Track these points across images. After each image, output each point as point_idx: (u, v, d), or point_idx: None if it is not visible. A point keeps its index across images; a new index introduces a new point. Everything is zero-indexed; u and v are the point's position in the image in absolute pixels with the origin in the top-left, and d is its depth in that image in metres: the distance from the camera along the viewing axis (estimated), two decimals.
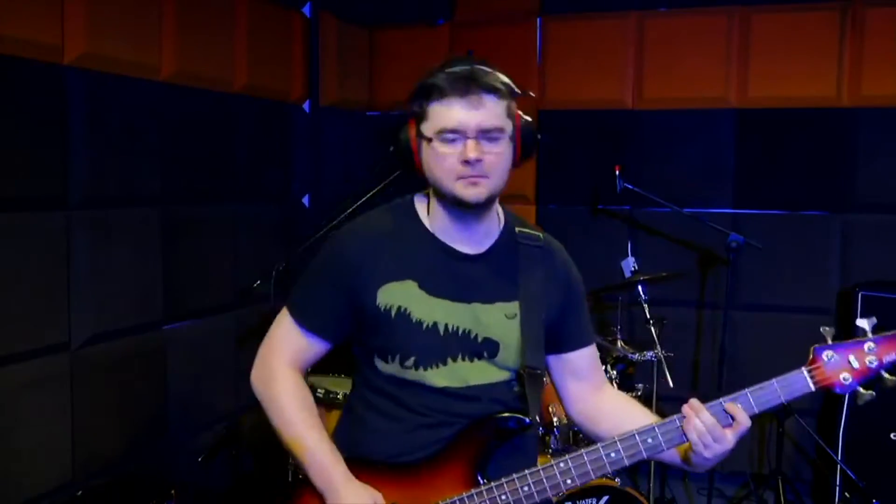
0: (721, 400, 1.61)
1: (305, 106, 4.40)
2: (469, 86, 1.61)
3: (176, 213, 3.47)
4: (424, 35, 4.82)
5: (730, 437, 1.61)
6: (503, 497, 1.63)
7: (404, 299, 1.68)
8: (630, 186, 4.02)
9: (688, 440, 1.62)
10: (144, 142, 3.29)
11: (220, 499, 3.67)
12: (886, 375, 1.58)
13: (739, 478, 4.31)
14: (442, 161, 1.62)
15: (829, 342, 1.60)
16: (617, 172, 4.04)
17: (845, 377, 1.59)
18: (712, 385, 3.90)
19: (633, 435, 1.62)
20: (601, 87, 4.51)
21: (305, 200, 4.44)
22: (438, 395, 1.69)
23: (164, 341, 3.44)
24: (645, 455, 1.63)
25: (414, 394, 1.69)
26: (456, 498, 1.65)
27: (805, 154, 4.24)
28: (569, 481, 1.62)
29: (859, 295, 3.86)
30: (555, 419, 3.24)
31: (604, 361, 3.31)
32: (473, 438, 1.69)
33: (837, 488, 3.80)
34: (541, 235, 1.82)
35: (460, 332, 1.69)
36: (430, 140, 1.63)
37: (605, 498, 2.83)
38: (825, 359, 1.59)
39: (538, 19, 4.62)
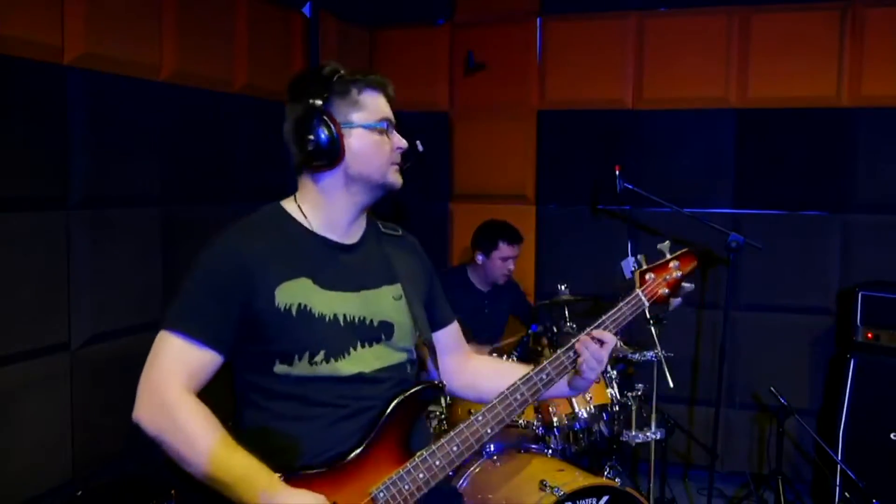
0: (587, 330, 1.90)
1: None
2: (388, 83, 1.81)
3: (176, 213, 3.47)
4: (424, 35, 4.82)
5: (604, 356, 1.89)
6: (437, 462, 1.71)
7: (303, 296, 1.70)
8: (630, 186, 4.02)
9: (572, 367, 1.88)
10: (144, 142, 3.29)
11: (220, 499, 3.66)
12: (685, 284, 2.09)
13: (739, 478, 4.31)
14: (384, 149, 1.76)
15: (645, 265, 2.04)
16: (617, 172, 4.04)
17: (664, 290, 2.05)
18: (712, 385, 3.90)
19: (531, 375, 1.84)
20: (601, 87, 4.52)
21: None
22: (351, 382, 1.72)
23: None
24: (543, 389, 1.85)
25: (325, 388, 1.70)
26: (395, 477, 1.69)
27: (805, 154, 4.25)
28: (489, 430, 1.76)
29: (859, 295, 3.87)
30: (555, 419, 3.25)
31: None
32: (397, 417, 1.74)
33: (837, 488, 3.80)
34: (398, 227, 1.98)
35: (357, 320, 1.75)
36: (375, 128, 1.76)
37: (605, 498, 2.83)
38: (648, 279, 2.04)
39: (538, 19, 4.62)
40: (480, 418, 1.76)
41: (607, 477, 3.12)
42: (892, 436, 3.69)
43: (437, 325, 1.99)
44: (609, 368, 3.42)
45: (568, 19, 4.58)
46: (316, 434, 1.69)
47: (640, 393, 3.51)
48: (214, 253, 1.71)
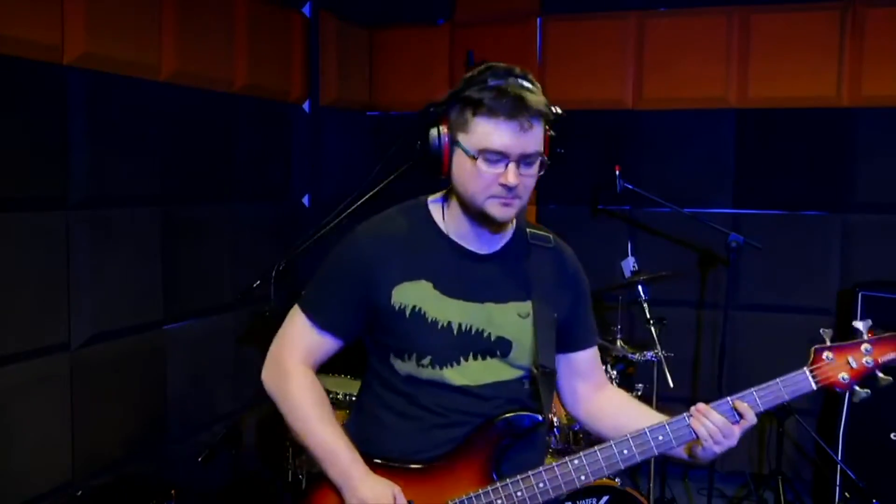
0: (728, 399, 1.70)
1: (305, 106, 4.40)
2: (520, 110, 1.59)
3: (176, 213, 3.47)
4: (424, 35, 4.82)
5: (737, 433, 1.69)
6: (519, 493, 1.66)
7: (419, 299, 1.70)
8: (630, 186, 4.02)
9: (696, 437, 1.69)
10: (144, 142, 3.29)
11: (219, 499, 3.67)
12: (881, 375, 1.68)
13: (739, 478, 4.31)
14: (479, 179, 1.61)
15: (828, 343, 1.70)
16: (617, 172, 4.04)
17: (844, 376, 1.68)
18: (712, 385, 3.90)
19: (645, 432, 1.69)
20: (601, 87, 4.51)
21: (305, 200, 4.44)
22: (455, 393, 1.70)
23: (164, 341, 3.44)
24: (656, 452, 1.69)
25: (430, 393, 1.71)
26: (472, 495, 1.67)
27: (805, 154, 4.24)
28: (583, 477, 1.67)
29: (859, 295, 3.86)
30: (555, 419, 3.24)
31: (604, 361, 3.31)
32: (488, 437, 1.70)
33: (837, 488, 3.80)
34: (551, 237, 1.86)
35: (473, 331, 1.71)
36: (469, 155, 1.61)
37: (605, 498, 2.83)
38: (825, 359, 1.69)
39: (538, 19, 4.62)
40: (576, 462, 1.67)
41: (608, 477, 3.12)
42: (892, 436, 3.69)
43: (573, 346, 1.87)
44: (609, 368, 3.42)
45: (568, 19, 4.58)
46: (413, 434, 1.72)
47: (640, 393, 3.51)
48: (347, 243, 1.76)
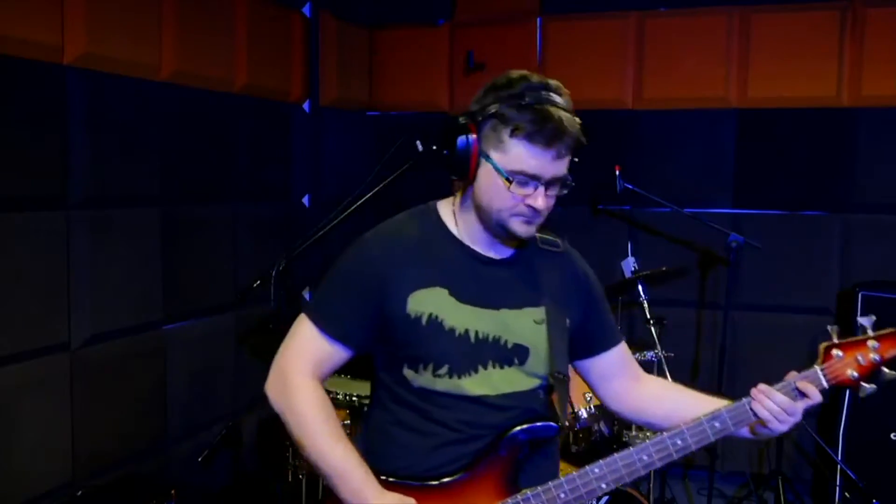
0: (791, 381, 1.69)
1: (305, 106, 4.40)
2: (560, 138, 1.56)
3: (176, 213, 3.47)
4: (424, 35, 4.81)
5: (800, 409, 1.69)
6: None
7: (435, 306, 1.66)
8: (630, 186, 4.02)
9: (757, 419, 1.70)
10: (144, 142, 3.29)
11: (219, 499, 3.67)
12: (886, 370, 1.72)
13: (739, 478, 4.31)
14: (506, 197, 1.60)
15: (836, 339, 1.72)
16: (617, 172, 4.04)
17: (853, 373, 1.71)
18: (712, 385, 3.90)
19: (702, 422, 1.68)
20: (601, 87, 4.51)
21: (305, 200, 4.44)
22: (473, 404, 1.66)
23: (164, 341, 3.44)
24: (713, 439, 1.69)
25: (445, 406, 1.67)
26: None
27: (805, 154, 4.24)
28: (602, 485, 1.65)
29: (859, 295, 3.86)
30: None
31: None
32: (507, 449, 1.67)
33: (837, 488, 3.80)
34: (560, 241, 1.84)
35: (490, 338, 1.68)
36: (502, 175, 1.59)
37: (605, 498, 2.83)
38: (835, 356, 1.71)
39: (538, 19, 4.62)
40: (596, 471, 1.64)
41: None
42: (892, 436, 3.69)
43: (599, 348, 1.86)
44: None
45: (568, 19, 4.57)
46: (426, 450, 1.68)
47: None
48: (357, 252, 1.72)
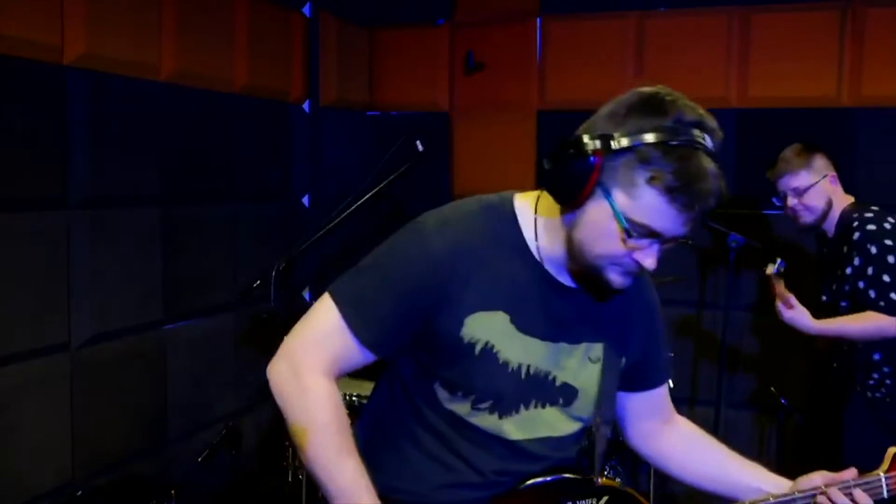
0: (850, 480, 1.56)
1: (305, 106, 4.40)
2: (704, 202, 1.31)
3: (176, 213, 3.46)
4: (424, 35, 4.81)
5: None
6: None
7: (493, 334, 1.42)
8: None
9: None
10: (144, 142, 3.29)
11: (220, 499, 3.67)
12: None
13: None
14: (615, 247, 1.35)
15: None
16: None
17: None
18: (712, 385, 3.90)
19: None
20: (601, 87, 4.47)
21: (305, 200, 4.44)
22: (507, 449, 1.47)
23: (164, 341, 3.44)
24: None
25: (477, 442, 1.46)
26: None
27: None
28: None
29: None
30: None
31: None
32: (535, 497, 1.49)
33: None
34: None
35: (541, 375, 1.46)
36: (620, 224, 1.32)
37: (605, 498, 2.82)
38: None
39: (538, 19, 4.61)
40: None
41: (607, 477, 3.11)
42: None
43: (646, 385, 1.66)
44: None
45: (568, 19, 4.57)
46: (440, 486, 1.47)
47: None
48: (416, 243, 1.44)
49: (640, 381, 1.65)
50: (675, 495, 4.05)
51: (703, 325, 4.38)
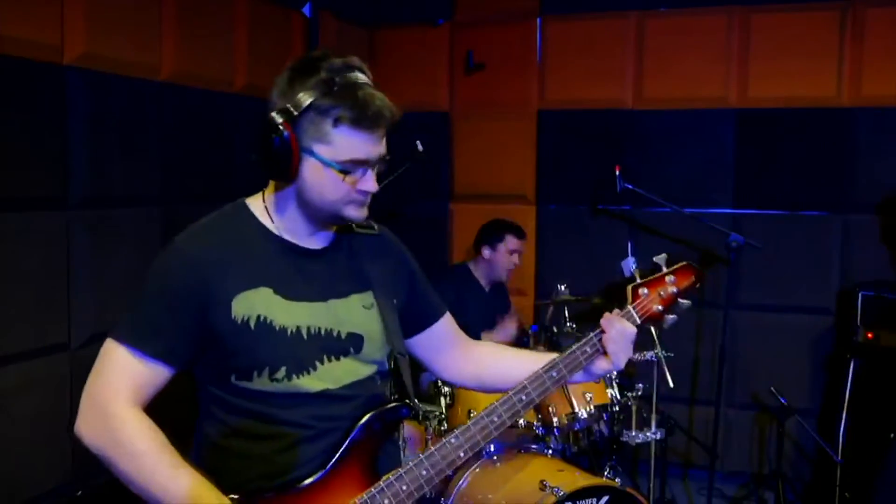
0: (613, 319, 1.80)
1: None
2: (382, 118, 1.54)
3: (176, 213, 3.46)
4: (424, 35, 4.82)
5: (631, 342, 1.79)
6: (404, 487, 1.58)
7: (263, 307, 1.57)
8: (630, 186, 4.02)
9: (591, 355, 1.78)
10: (144, 142, 3.29)
11: None
12: (682, 301, 1.91)
13: (739, 478, 4.31)
14: (340, 188, 1.56)
15: (639, 280, 1.88)
16: (617, 172, 4.04)
17: (658, 307, 1.87)
18: (712, 385, 3.90)
19: (541, 374, 1.73)
20: (601, 87, 4.51)
21: None
22: (316, 400, 1.59)
23: None
24: (552, 388, 1.74)
25: (288, 406, 1.58)
26: (359, 501, 1.56)
27: (805, 154, 4.25)
28: (461, 454, 1.64)
29: (859, 295, 3.86)
30: (555, 419, 3.24)
31: None
32: (364, 439, 1.62)
33: (837, 488, 3.80)
34: (374, 224, 1.81)
35: (323, 332, 1.62)
36: (334, 168, 1.54)
37: (605, 498, 2.83)
38: (642, 294, 1.87)
39: (538, 19, 4.62)
40: (454, 441, 1.63)
41: (607, 477, 3.12)
42: (892, 436, 3.69)
43: (428, 320, 1.87)
44: None
45: (568, 19, 4.58)
46: (275, 455, 1.58)
47: (640, 393, 3.51)
48: (169, 260, 1.60)
49: (422, 320, 1.86)
50: (674, 495, 4.06)
51: (703, 325, 4.38)
